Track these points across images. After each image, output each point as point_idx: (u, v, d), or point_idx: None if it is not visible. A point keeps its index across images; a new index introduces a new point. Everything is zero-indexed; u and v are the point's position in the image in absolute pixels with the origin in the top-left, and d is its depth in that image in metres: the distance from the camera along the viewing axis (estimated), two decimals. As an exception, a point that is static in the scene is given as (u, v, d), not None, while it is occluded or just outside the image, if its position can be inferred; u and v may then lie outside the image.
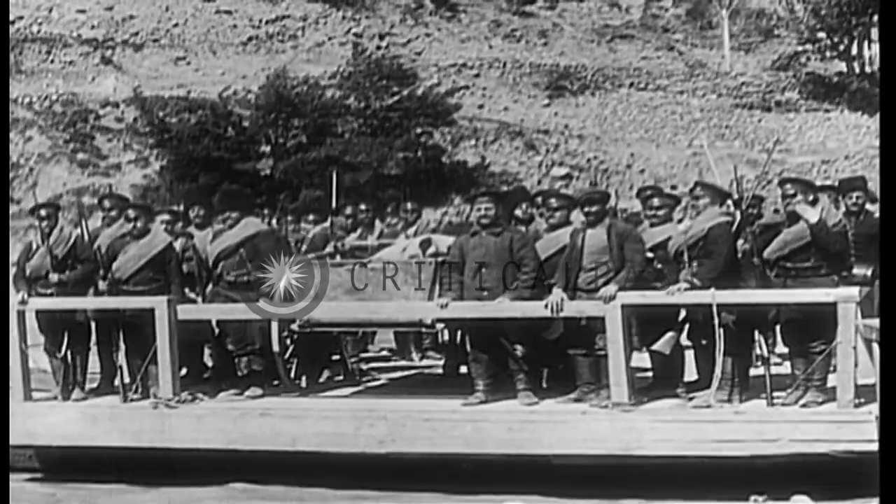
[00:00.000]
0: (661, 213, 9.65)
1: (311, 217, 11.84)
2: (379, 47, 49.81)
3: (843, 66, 48.14)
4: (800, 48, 49.75)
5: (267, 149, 39.70)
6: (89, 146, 42.03)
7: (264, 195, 34.54)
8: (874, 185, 9.05)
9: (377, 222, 12.13)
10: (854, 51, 47.74)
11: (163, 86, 45.80)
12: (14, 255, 10.62)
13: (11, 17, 45.55)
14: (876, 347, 8.43)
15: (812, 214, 8.76)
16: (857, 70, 47.57)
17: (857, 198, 10.03)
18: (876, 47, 44.39)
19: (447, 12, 54.25)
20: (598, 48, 53.04)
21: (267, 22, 52.22)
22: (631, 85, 49.07)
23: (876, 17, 43.45)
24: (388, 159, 39.06)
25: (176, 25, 51.47)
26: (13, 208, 36.36)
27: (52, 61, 48.52)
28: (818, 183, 10.14)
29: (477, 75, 49.09)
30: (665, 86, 49.01)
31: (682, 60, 52.15)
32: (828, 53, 48.14)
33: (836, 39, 47.68)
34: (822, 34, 48.02)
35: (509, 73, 49.46)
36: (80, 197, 11.86)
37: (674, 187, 36.98)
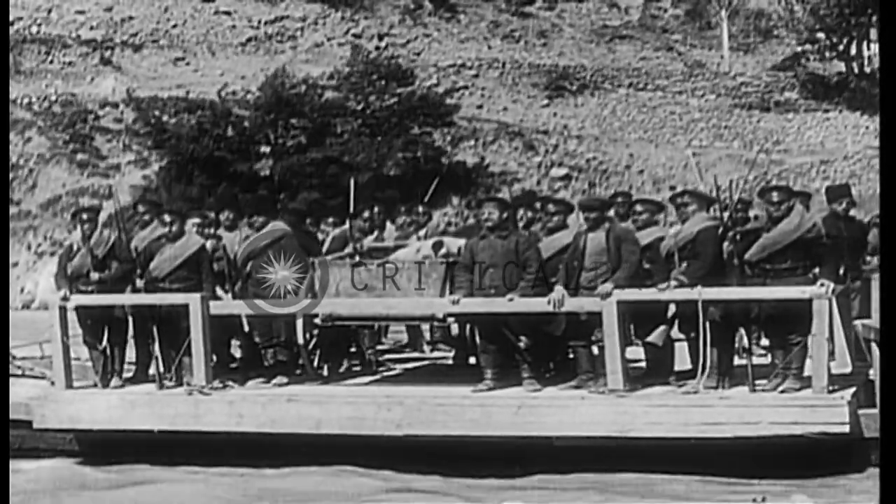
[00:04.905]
0: (643, 217, 10.42)
1: (329, 220, 12.64)
2: (378, 48, 49.94)
3: (842, 67, 47.92)
4: (799, 48, 49.58)
5: (266, 149, 40.03)
6: (88, 147, 42.35)
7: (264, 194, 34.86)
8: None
9: (388, 224, 12.86)
10: (853, 51, 47.51)
11: (162, 86, 46.07)
12: (12, 256, 11.32)
13: (11, 18, 45.57)
14: (875, 347, 9.24)
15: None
16: (857, 70, 47.49)
17: (847, 203, 10.92)
18: (875, 47, 44.35)
19: (446, 13, 54.33)
20: (597, 49, 53.18)
21: (266, 23, 52.34)
22: (630, 85, 49.21)
23: (875, 17, 43.50)
24: (387, 160, 39.50)
25: (175, 26, 51.64)
26: (13, 209, 36.81)
27: (51, 62, 48.65)
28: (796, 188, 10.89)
29: (476, 76, 49.28)
30: (664, 86, 49.14)
31: (681, 61, 52.28)
32: (827, 53, 47.94)
33: (835, 39, 47.48)
34: (821, 34, 47.72)
35: (508, 74, 49.63)
36: (118, 201, 12.58)
37: (672, 187, 37.50)
